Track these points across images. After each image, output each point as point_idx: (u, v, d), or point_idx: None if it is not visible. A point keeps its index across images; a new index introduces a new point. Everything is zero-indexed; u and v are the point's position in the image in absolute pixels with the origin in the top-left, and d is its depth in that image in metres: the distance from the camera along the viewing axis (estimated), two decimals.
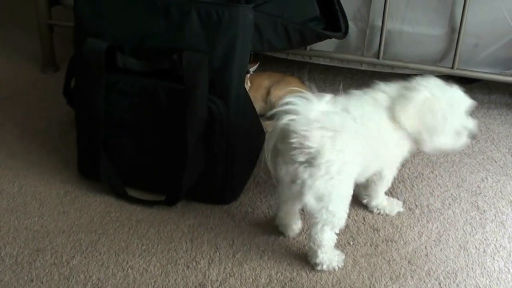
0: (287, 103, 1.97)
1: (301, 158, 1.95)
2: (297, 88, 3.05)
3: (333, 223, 2.07)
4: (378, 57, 3.01)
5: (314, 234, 2.09)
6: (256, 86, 3.02)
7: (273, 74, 3.15)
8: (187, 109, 2.23)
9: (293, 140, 1.93)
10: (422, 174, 2.67)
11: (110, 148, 2.42)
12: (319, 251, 2.12)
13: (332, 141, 1.93)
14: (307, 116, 1.92)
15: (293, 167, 1.98)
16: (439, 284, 2.15)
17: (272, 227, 2.35)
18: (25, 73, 3.48)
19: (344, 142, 1.96)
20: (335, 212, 2.04)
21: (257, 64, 2.93)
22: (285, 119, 1.94)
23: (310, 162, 1.95)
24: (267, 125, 2.94)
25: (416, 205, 2.50)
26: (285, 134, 1.96)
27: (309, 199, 2.00)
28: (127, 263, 2.21)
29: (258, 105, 3.00)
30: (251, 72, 2.91)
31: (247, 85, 2.93)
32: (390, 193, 2.50)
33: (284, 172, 2.02)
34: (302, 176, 1.97)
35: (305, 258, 2.21)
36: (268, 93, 3.04)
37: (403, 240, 2.33)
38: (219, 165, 2.37)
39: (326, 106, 1.97)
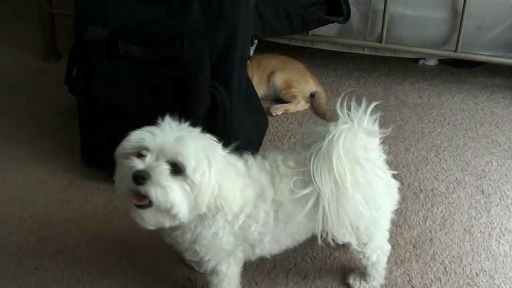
0: None
1: None
2: (302, 71, 3.09)
3: None
4: (380, 41, 2.99)
5: None
6: (263, 66, 3.03)
7: (280, 56, 3.15)
8: (189, 96, 2.22)
9: None
10: (427, 158, 2.67)
11: (113, 136, 2.41)
12: None
13: None
14: None
15: None
16: (444, 268, 2.14)
17: None
18: (27, 63, 3.47)
19: None
20: None
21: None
22: None
23: None
24: (276, 109, 2.95)
25: (420, 189, 2.49)
26: None
27: None
28: (132, 249, 2.21)
29: (264, 86, 3.02)
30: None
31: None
32: (395, 177, 2.48)
33: None
34: None
35: (310, 244, 2.20)
36: (272, 73, 3.04)
37: (407, 224, 2.32)
38: None
39: None
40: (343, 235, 1.76)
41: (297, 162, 1.80)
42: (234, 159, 1.79)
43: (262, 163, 1.84)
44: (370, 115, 1.79)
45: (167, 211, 1.61)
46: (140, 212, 1.62)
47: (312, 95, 3.07)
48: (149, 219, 1.64)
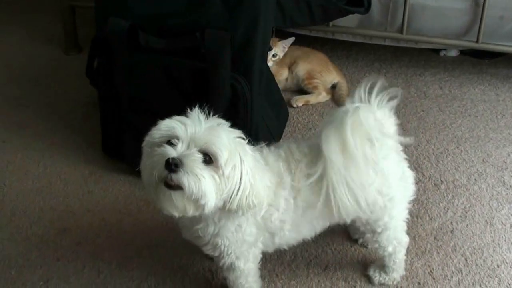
0: None
1: None
2: (325, 62, 3.09)
3: None
4: (401, 32, 2.98)
5: None
6: (286, 57, 3.03)
7: (302, 47, 3.15)
8: (210, 87, 2.22)
9: None
10: (448, 150, 2.65)
11: (134, 128, 2.42)
12: None
13: None
14: None
15: None
16: (465, 260, 2.13)
17: None
18: (48, 55, 3.49)
19: None
20: None
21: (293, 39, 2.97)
22: None
23: None
24: (297, 100, 2.95)
25: (441, 180, 2.48)
26: None
27: None
28: (152, 241, 2.22)
29: (284, 73, 3.03)
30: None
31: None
32: (416, 169, 2.48)
33: None
34: None
35: (330, 236, 2.20)
36: (294, 62, 3.04)
37: (428, 216, 2.31)
38: None
39: None
40: (351, 208, 1.73)
41: (311, 149, 1.80)
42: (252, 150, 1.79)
43: (276, 151, 1.83)
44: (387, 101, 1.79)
45: (196, 200, 1.59)
46: (171, 193, 1.59)
47: (333, 86, 3.06)
48: (178, 203, 1.60)
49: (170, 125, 1.62)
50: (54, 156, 2.66)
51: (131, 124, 2.41)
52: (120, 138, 2.45)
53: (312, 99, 2.99)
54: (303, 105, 2.96)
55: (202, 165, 1.58)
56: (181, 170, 1.56)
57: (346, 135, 1.67)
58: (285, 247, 1.93)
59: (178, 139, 1.60)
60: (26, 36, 3.71)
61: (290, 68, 3.05)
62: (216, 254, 1.82)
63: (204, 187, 1.57)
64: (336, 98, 3.00)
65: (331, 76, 3.05)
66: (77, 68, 3.17)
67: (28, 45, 3.61)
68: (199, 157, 1.58)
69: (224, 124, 1.69)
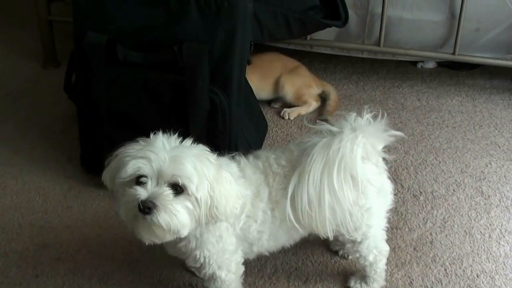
0: None
1: None
2: (307, 77, 3.08)
3: None
4: (379, 45, 2.99)
5: None
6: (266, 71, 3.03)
7: (281, 57, 3.14)
8: (189, 101, 2.23)
9: None
10: (426, 161, 2.67)
11: (113, 142, 2.41)
12: None
13: None
14: None
15: None
16: (445, 270, 2.15)
17: None
18: (27, 70, 3.47)
19: None
20: None
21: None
22: None
23: None
24: (289, 113, 2.96)
25: (420, 191, 2.49)
26: None
27: None
28: (133, 256, 2.21)
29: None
30: None
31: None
32: (394, 180, 2.49)
33: None
34: None
35: (310, 248, 2.20)
36: (278, 82, 3.04)
37: (408, 227, 2.32)
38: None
39: None
40: (323, 228, 1.78)
41: (289, 161, 1.83)
42: (226, 161, 1.82)
43: (255, 163, 1.87)
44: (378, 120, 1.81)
45: (175, 231, 1.64)
46: (150, 224, 1.62)
47: (324, 97, 3.06)
48: (158, 233, 1.64)
49: (136, 165, 1.64)
50: (33, 171, 2.64)
51: (110, 138, 2.40)
52: (99, 153, 2.44)
53: (303, 110, 3.01)
54: (294, 118, 2.99)
55: (174, 199, 1.62)
56: (154, 211, 1.59)
57: (333, 169, 1.71)
58: (266, 254, 1.96)
59: (146, 177, 1.62)
60: (3, 51, 3.69)
61: (276, 84, 3.04)
62: (198, 265, 1.85)
63: (180, 220, 1.62)
64: (325, 109, 3.02)
65: (314, 90, 3.04)
66: (55, 83, 3.16)
67: (6, 59, 3.59)
68: (170, 193, 1.61)
69: (185, 145, 1.72)
